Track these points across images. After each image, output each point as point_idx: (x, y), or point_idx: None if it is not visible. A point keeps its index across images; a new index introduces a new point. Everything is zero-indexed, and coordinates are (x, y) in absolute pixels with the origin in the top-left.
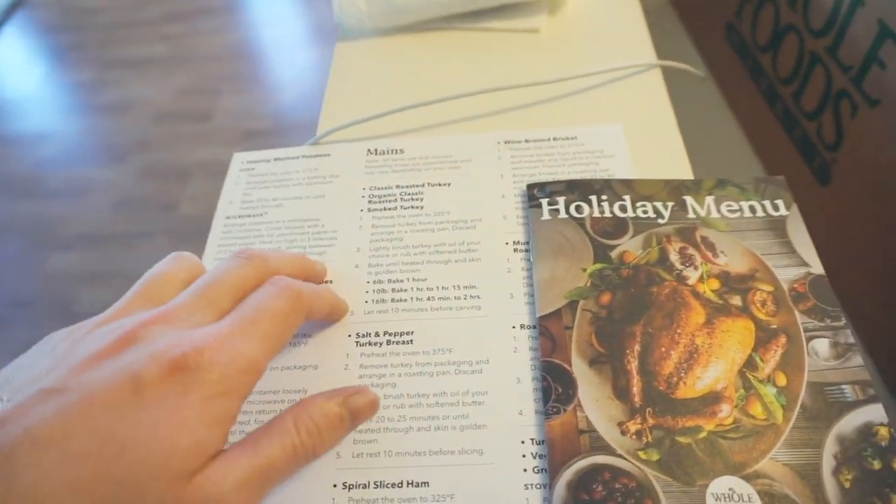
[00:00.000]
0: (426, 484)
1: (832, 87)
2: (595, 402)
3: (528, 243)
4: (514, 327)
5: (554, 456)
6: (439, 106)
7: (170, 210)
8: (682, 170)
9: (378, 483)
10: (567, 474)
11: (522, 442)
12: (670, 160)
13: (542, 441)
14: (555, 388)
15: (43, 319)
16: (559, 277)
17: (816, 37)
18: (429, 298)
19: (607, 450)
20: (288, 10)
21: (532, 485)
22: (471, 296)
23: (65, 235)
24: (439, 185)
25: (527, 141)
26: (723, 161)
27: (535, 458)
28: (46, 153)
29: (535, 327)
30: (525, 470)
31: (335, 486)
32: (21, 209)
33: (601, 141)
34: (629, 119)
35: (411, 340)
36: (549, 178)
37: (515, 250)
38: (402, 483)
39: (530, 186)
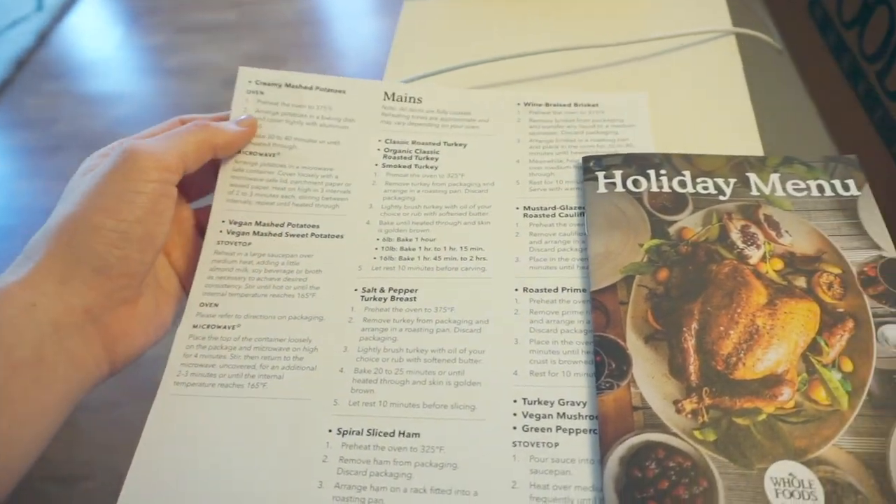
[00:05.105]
0: (417, 435)
1: None
2: (650, 379)
3: (538, 209)
4: (516, 290)
5: (606, 431)
6: (493, 66)
7: None
8: (752, 145)
9: (371, 431)
10: (619, 450)
11: (514, 401)
12: (739, 134)
13: (535, 401)
14: (608, 363)
15: None
16: (614, 252)
17: None
18: (435, 258)
19: (662, 427)
20: None
21: (520, 442)
22: (477, 257)
23: None
24: (455, 144)
25: (547, 105)
26: (792, 139)
27: (525, 416)
28: (121, 112)
29: (536, 291)
30: (514, 427)
31: (330, 430)
32: None
33: (622, 110)
34: (698, 89)
35: (415, 297)
36: (567, 145)
37: (525, 215)
38: (394, 432)
39: (586, 159)
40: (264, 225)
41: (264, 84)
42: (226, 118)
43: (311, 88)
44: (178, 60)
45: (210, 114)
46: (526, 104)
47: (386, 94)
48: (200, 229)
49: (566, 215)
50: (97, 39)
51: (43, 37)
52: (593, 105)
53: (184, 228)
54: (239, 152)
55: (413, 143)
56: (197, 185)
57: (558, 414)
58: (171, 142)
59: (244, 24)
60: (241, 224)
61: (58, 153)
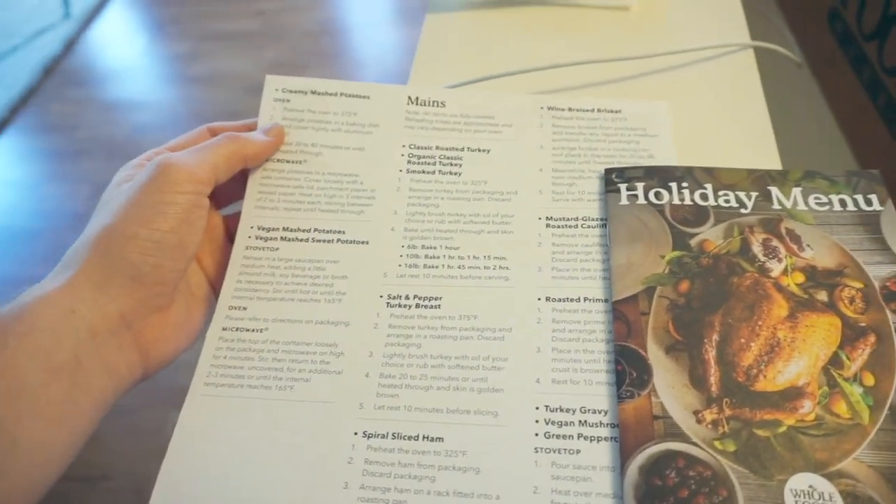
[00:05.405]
0: (441, 439)
1: None
2: (671, 389)
3: (561, 219)
4: (539, 299)
5: (627, 439)
6: (517, 79)
7: None
8: (770, 159)
9: (396, 434)
10: (639, 458)
11: (537, 408)
12: (757, 147)
13: (557, 408)
14: (629, 372)
15: None
16: (636, 263)
17: None
18: (459, 266)
19: (682, 437)
20: None
21: (542, 449)
22: (500, 266)
23: None
24: (479, 150)
25: (570, 109)
26: (812, 152)
27: (547, 423)
28: (143, 119)
29: (559, 300)
30: (537, 434)
31: (356, 433)
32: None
33: (645, 118)
34: (716, 102)
35: (439, 305)
36: (589, 153)
37: (548, 226)
38: (418, 436)
39: (608, 171)
40: (291, 230)
41: (290, 92)
42: (253, 126)
43: (335, 95)
44: (201, 68)
45: (235, 122)
46: (549, 108)
47: (410, 98)
48: (230, 235)
49: (588, 226)
50: (122, 47)
51: (69, 44)
52: (616, 111)
53: (214, 235)
54: (267, 160)
55: (437, 148)
56: (226, 192)
57: (580, 422)
58: (203, 154)
59: (266, 33)
60: (269, 230)
61: (82, 158)
